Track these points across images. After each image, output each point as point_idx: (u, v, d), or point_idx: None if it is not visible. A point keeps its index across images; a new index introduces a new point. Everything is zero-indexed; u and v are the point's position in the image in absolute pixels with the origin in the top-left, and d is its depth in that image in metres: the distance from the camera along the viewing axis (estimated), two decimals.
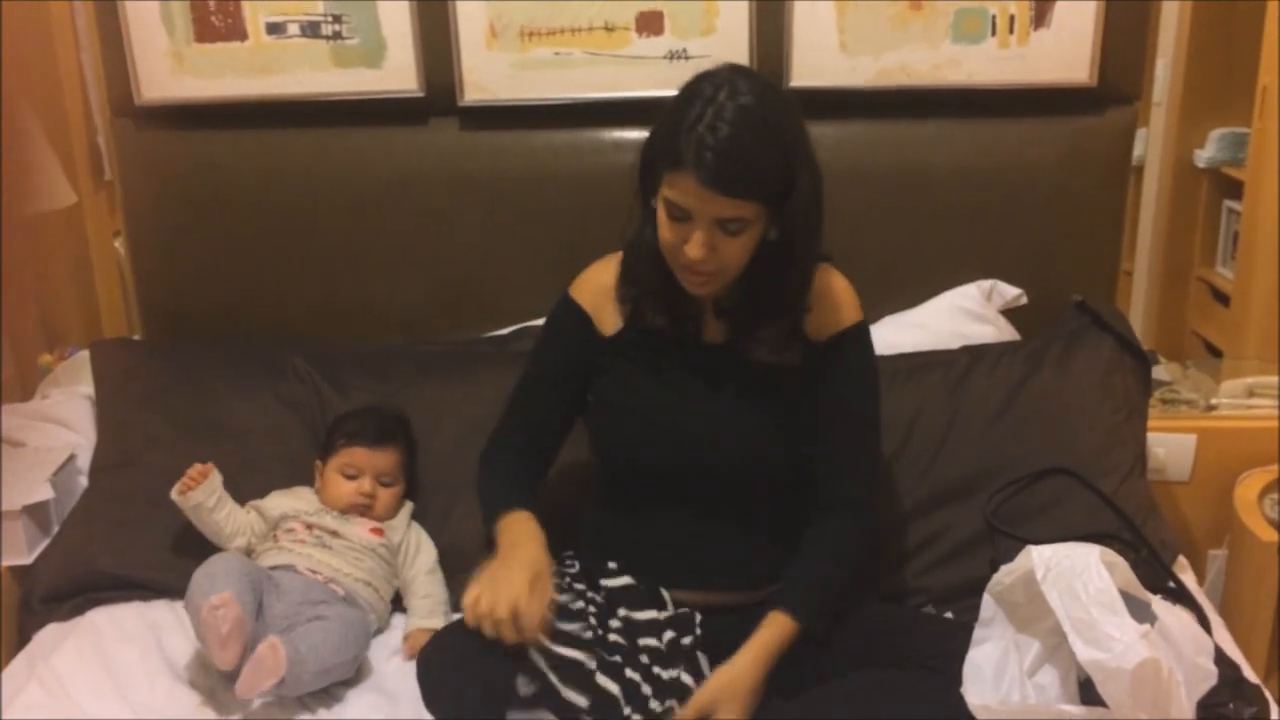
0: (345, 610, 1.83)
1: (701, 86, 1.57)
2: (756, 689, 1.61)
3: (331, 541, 1.93)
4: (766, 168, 1.54)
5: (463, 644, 1.63)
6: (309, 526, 1.95)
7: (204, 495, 1.92)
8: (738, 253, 1.60)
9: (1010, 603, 1.49)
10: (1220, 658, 1.42)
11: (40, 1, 2.57)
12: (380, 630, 1.94)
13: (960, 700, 1.46)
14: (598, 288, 1.83)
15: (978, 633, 1.51)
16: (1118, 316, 2.18)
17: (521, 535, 1.68)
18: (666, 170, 1.56)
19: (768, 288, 1.68)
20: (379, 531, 1.97)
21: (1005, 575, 1.49)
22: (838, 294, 1.77)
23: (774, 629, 1.63)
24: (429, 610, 1.93)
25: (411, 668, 1.79)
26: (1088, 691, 1.38)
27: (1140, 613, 1.35)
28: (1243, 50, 3.14)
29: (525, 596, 1.56)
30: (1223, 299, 3.31)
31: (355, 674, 1.82)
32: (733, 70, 1.60)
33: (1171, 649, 1.36)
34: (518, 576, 1.58)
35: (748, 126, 1.52)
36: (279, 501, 2.00)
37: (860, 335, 1.77)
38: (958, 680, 1.49)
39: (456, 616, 1.83)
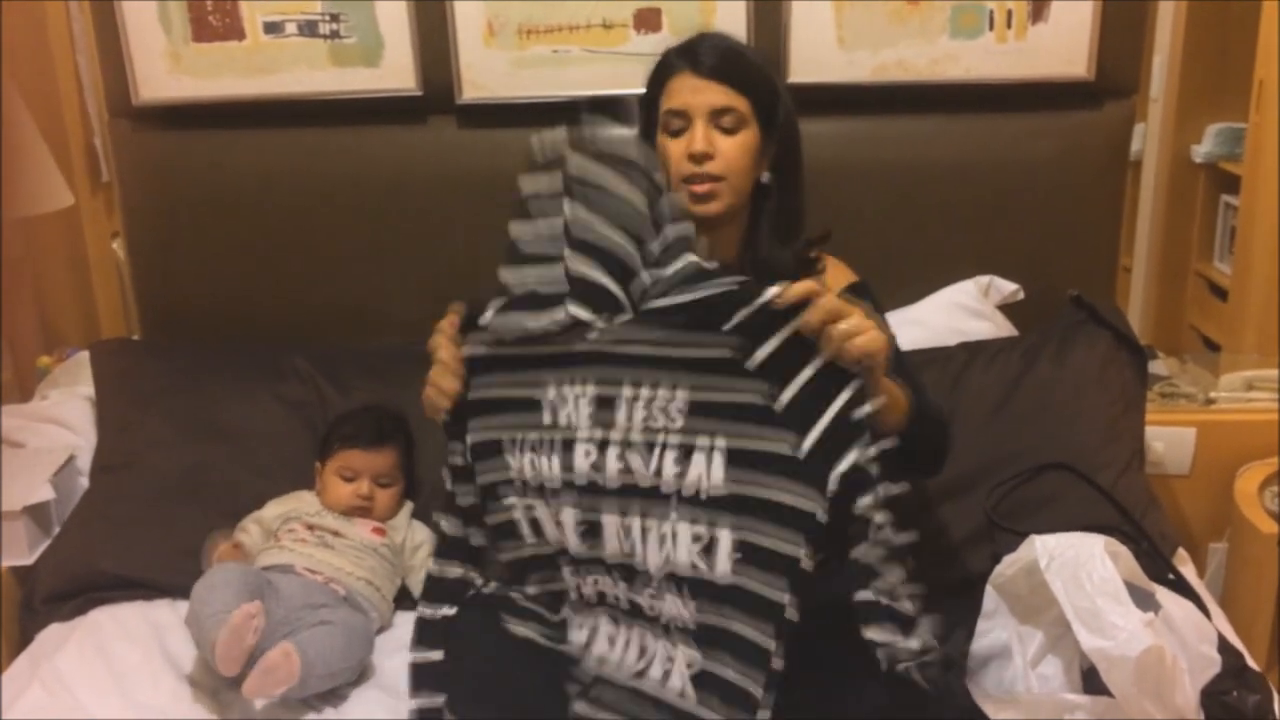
0: (348, 614, 1.83)
1: (677, 44, 1.72)
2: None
3: (334, 541, 1.93)
4: (752, 64, 1.70)
5: (465, 632, 1.64)
6: (310, 527, 1.95)
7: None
8: (737, 154, 1.66)
9: (1012, 594, 1.49)
10: (1224, 646, 1.43)
11: (37, 2, 2.57)
12: (383, 629, 1.94)
13: (963, 687, 1.47)
14: None
15: (980, 625, 1.51)
16: (1114, 311, 2.18)
17: None
18: (662, 89, 1.69)
19: (766, 239, 1.74)
20: (381, 531, 1.97)
21: (1007, 567, 1.49)
22: (835, 264, 1.81)
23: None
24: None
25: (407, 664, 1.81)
26: (1090, 681, 1.39)
27: (1144, 602, 1.36)
28: (1239, 45, 3.15)
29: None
30: (1220, 293, 3.32)
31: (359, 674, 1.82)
32: None
33: (1175, 637, 1.36)
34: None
35: (731, 41, 1.72)
36: (277, 510, 2.01)
37: (863, 289, 1.76)
38: (960, 667, 1.50)
39: None
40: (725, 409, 1.37)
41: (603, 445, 1.42)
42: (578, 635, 1.50)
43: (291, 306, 2.32)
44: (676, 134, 1.68)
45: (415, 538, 2.00)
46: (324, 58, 2.18)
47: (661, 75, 1.71)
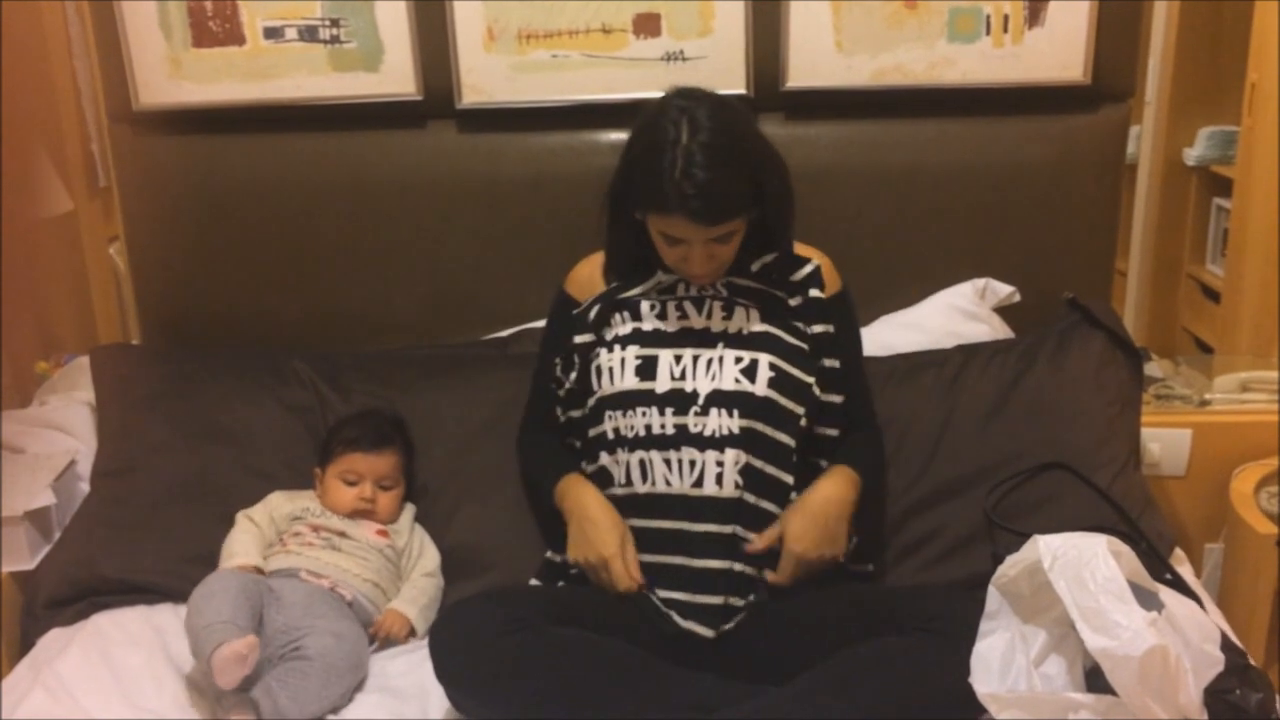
0: (332, 642, 1.77)
1: (663, 129, 1.71)
2: (829, 513, 1.77)
3: (340, 543, 1.93)
4: (743, 190, 1.73)
5: (475, 618, 1.69)
6: (316, 529, 1.95)
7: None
8: (733, 251, 1.80)
9: (1015, 594, 1.50)
10: (1226, 644, 1.43)
11: (33, 5, 2.56)
12: None
13: (959, 660, 1.48)
14: (590, 279, 1.96)
15: (984, 625, 1.51)
16: (1108, 312, 2.19)
17: (587, 495, 1.84)
18: (654, 212, 1.74)
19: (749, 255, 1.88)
20: (384, 534, 1.98)
21: (1010, 567, 1.49)
22: (823, 259, 1.94)
23: (840, 471, 1.83)
24: (412, 599, 1.94)
25: (416, 667, 1.81)
26: (1093, 680, 1.40)
27: (1148, 601, 1.36)
28: (1231, 48, 3.16)
29: (620, 546, 1.76)
30: (1213, 296, 3.33)
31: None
32: (682, 99, 1.75)
33: (1179, 636, 1.37)
34: (607, 534, 1.77)
35: (719, 163, 1.68)
36: (282, 504, 2.01)
37: (845, 296, 1.97)
38: (956, 640, 1.51)
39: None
40: (754, 292, 1.87)
41: (665, 301, 1.86)
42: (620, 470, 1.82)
43: (292, 311, 2.32)
44: (672, 243, 1.76)
45: (415, 547, 2.01)
46: (324, 63, 2.19)
47: (654, 203, 1.72)
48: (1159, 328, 3.56)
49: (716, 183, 1.67)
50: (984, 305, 2.26)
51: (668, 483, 1.77)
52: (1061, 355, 2.13)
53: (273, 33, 2.18)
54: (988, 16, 2.14)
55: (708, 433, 1.76)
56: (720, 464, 1.75)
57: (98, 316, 2.80)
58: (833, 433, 1.89)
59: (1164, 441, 2.34)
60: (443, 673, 1.68)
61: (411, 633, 1.92)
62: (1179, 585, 1.76)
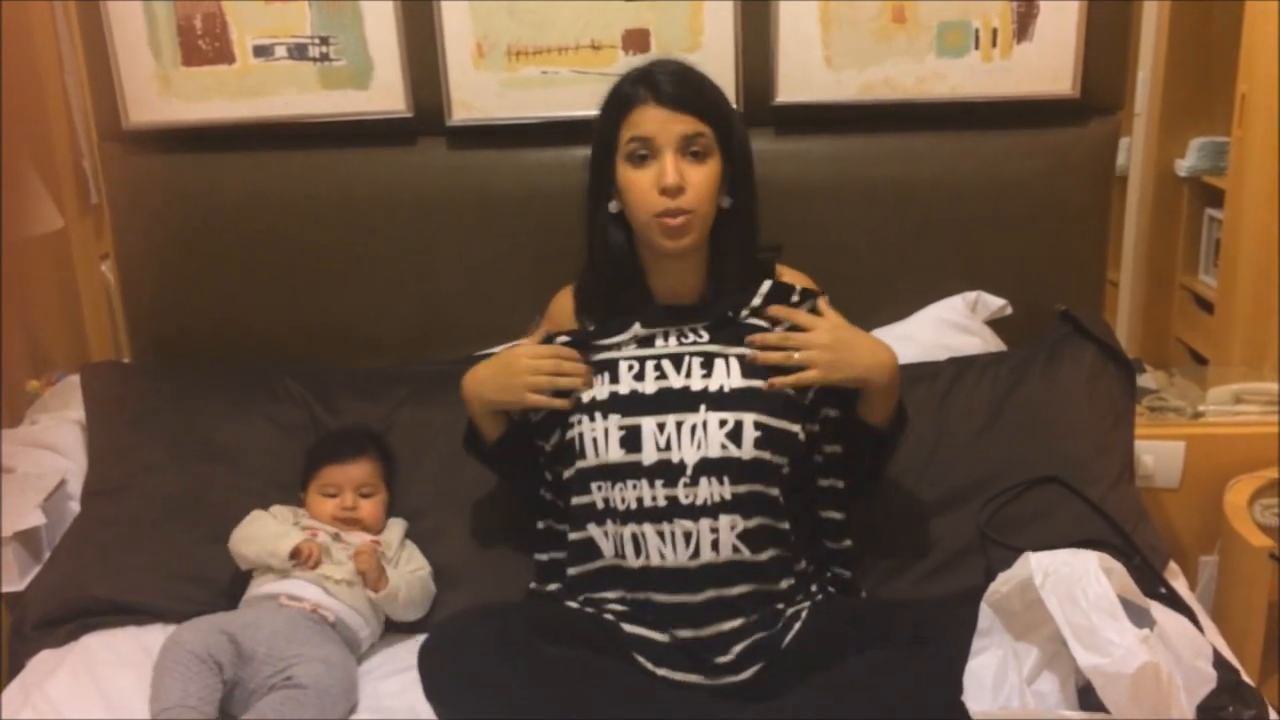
0: (323, 669, 1.77)
1: (628, 73, 1.77)
2: (855, 335, 1.81)
3: (331, 545, 1.93)
4: (711, 92, 1.75)
5: (464, 637, 1.69)
6: (310, 532, 1.94)
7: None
8: (706, 185, 1.73)
9: (1008, 611, 1.49)
10: (1219, 661, 1.43)
11: (23, 22, 2.56)
12: (373, 646, 1.94)
13: (952, 672, 1.48)
14: (563, 314, 1.93)
15: (976, 642, 1.51)
16: (1100, 324, 2.19)
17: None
18: (624, 118, 1.73)
19: (729, 265, 1.83)
20: (376, 544, 1.97)
21: (1002, 584, 1.49)
22: (794, 274, 1.91)
23: None
24: (404, 575, 1.94)
25: (408, 688, 1.79)
26: (1086, 697, 1.39)
27: (1139, 618, 1.36)
28: (1221, 59, 3.17)
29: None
30: (1206, 306, 3.33)
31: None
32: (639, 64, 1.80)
33: (1170, 653, 1.37)
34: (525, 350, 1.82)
35: (686, 67, 1.76)
36: (282, 513, 2.00)
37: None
38: (949, 652, 1.51)
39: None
40: (739, 327, 1.80)
41: (643, 360, 1.79)
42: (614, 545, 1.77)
43: (283, 328, 2.31)
44: (642, 162, 1.72)
45: (404, 561, 2.00)
46: (314, 80, 2.19)
47: (621, 106, 1.73)
48: (1152, 339, 3.56)
49: (686, 73, 1.74)
50: (976, 318, 2.26)
51: (662, 555, 1.71)
52: (1054, 368, 2.13)
53: (262, 51, 2.17)
54: (976, 30, 2.15)
55: (699, 502, 1.71)
56: (715, 530, 1.70)
57: (89, 334, 2.79)
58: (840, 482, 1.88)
59: (1158, 454, 2.34)
60: (432, 691, 1.68)
61: (381, 583, 1.91)
62: (1173, 599, 1.76)
